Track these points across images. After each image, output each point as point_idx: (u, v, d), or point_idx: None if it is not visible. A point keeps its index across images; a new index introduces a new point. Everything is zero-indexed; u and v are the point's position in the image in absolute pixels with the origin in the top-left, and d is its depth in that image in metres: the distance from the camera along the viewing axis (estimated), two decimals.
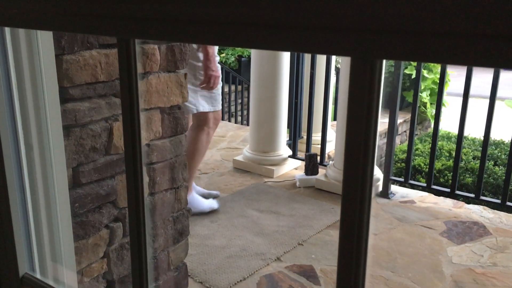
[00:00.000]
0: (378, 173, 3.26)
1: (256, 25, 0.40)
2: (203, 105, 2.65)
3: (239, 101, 6.92)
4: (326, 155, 3.74)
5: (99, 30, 0.51)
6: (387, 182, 3.18)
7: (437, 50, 0.32)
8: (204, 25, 0.43)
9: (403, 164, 4.69)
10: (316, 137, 3.90)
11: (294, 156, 3.79)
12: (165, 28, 0.46)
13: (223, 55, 8.30)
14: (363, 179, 0.37)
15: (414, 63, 6.34)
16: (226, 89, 6.06)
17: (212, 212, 2.88)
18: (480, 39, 0.30)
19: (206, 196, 3.00)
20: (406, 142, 5.18)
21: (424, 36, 0.32)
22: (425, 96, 6.51)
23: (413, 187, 3.34)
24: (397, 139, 6.07)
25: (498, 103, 2.91)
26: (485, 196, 3.39)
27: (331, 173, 3.28)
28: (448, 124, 6.19)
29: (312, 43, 0.37)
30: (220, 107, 2.77)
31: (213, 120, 2.77)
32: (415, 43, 0.33)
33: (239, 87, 6.69)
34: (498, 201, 2.97)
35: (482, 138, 2.98)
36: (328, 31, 0.36)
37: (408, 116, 6.06)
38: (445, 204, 3.08)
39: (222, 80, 3.12)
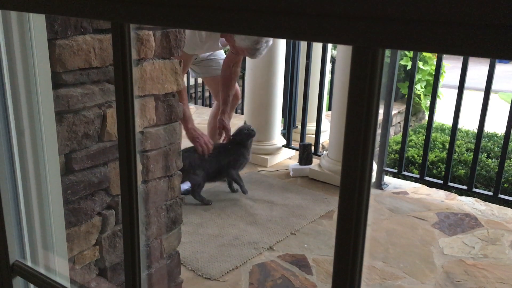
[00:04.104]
0: None
1: (255, 11, 0.38)
2: None
3: None
4: (320, 145, 3.74)
5: (93, 14, 0.50)
6: (380, 173, 3.19)
7: (440, 40, 0.31)
8: (201, 10, 0.42)
9: (396, 155, 4.70)
10: (311, 127, 3.90)
11: (288, 145, 3.78)
12: (161, 13, 0.45)
13: None
14: (362, 168, 0.36)
15: (410, 54, 6.33)
16: None
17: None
18: (483, 28, 0.29)
19: None
20: (400, 133, 5.18)
21: (427, 25, 0.31)
22: (419, 87, 6.52)
23: (406, 178, 3.36)
24: (391, 130, 6.09)
25: (492, 96, 2.91)
26: (478, 188, 3.41)
27: (325, 163, 3.28)
28: (442, 116, 6.21)
29: (313, 30, 0.36)
30: None
31: None
32: (418, 32, 0.32)
33: None
34: (490, 193, 2.99)
35: (476, 131, 2.99)
36: (330, 18, 0.35)
37: (402, 108, 6.06)
38: (438, 195, 3.09)
39: None
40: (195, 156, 2.80)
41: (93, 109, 1.30)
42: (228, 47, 2.93)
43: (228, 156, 2.89)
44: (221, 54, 3.16)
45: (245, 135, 2.91)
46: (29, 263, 0.86)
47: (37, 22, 0.90)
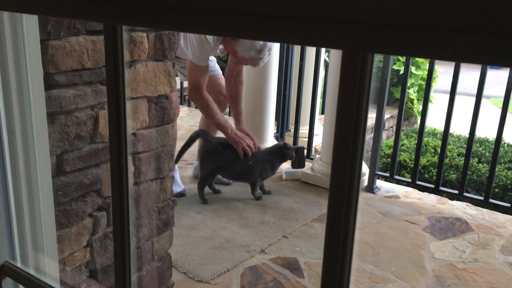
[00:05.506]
0: (364, 168, 3.27)
1: (247, 15, 0.39)
2: None
3: None
4: (313, 149, 3.75)
5: (85, 15, 0.50)
6: (372, 177, 3.20)
7: (430, 45, 0.32)
8: (194, 12, 0.42)
9: (389, 159, 4.72)
10: (304, 130, 3.91)
11: None
12: (154, 15, 0.45)
13: None
14: (351, 171, 0.37)
15: (403, 59, 6.37)
16: None
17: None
18: (474, 34, 0.30)
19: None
20: (393, 138, 5.20)
21: (416, 30, 0.32)
22: (412, 92, 6.55)
23: (398, 182, 3.37)
24: (384, 134, 6.11)
25: (484, 101, 2.94)
26: (469, 192, 3.43)
27: (318, 166, 3.28)
28: (434, 120, 6.24)
29: (304, 34, 0.36)
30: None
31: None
32: (407, 37, 0.32)
33: None
34: (481, 198, 3.01)
35: (467, 136, 3.01)
36: (320, 23, 0.35)
37: (395, 112, 6.09)
38: (429, 199, 3.11)
39: None
40: (227, 151, 2.83)
41: (85, 110, 1.30)
42: (221, 54, 2.93)
43: (261, 164, 2.88)
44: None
45: (285, 155, 2.91)
46: (19, 264, 0.86)
47: (30, 23, 0.89)
